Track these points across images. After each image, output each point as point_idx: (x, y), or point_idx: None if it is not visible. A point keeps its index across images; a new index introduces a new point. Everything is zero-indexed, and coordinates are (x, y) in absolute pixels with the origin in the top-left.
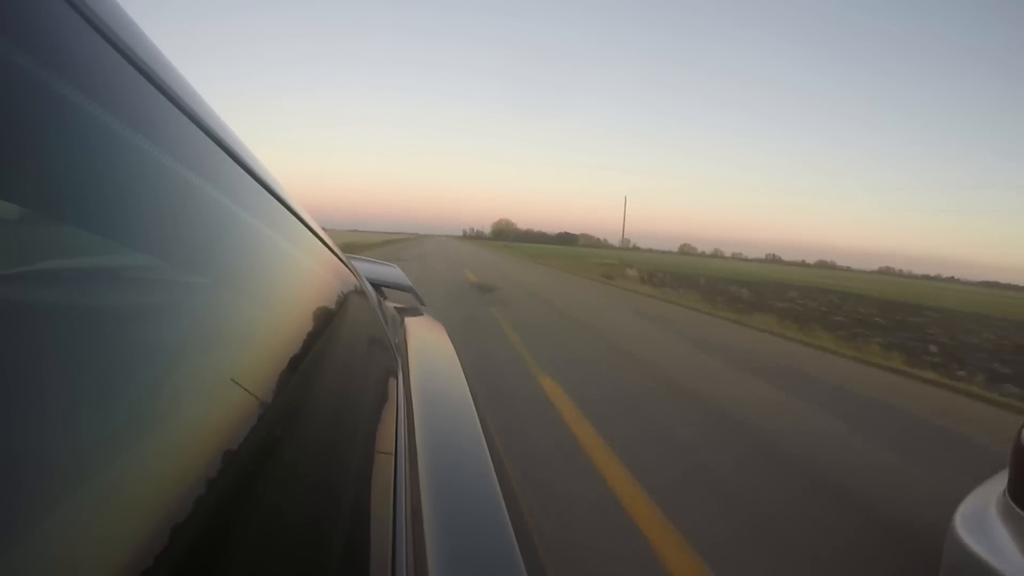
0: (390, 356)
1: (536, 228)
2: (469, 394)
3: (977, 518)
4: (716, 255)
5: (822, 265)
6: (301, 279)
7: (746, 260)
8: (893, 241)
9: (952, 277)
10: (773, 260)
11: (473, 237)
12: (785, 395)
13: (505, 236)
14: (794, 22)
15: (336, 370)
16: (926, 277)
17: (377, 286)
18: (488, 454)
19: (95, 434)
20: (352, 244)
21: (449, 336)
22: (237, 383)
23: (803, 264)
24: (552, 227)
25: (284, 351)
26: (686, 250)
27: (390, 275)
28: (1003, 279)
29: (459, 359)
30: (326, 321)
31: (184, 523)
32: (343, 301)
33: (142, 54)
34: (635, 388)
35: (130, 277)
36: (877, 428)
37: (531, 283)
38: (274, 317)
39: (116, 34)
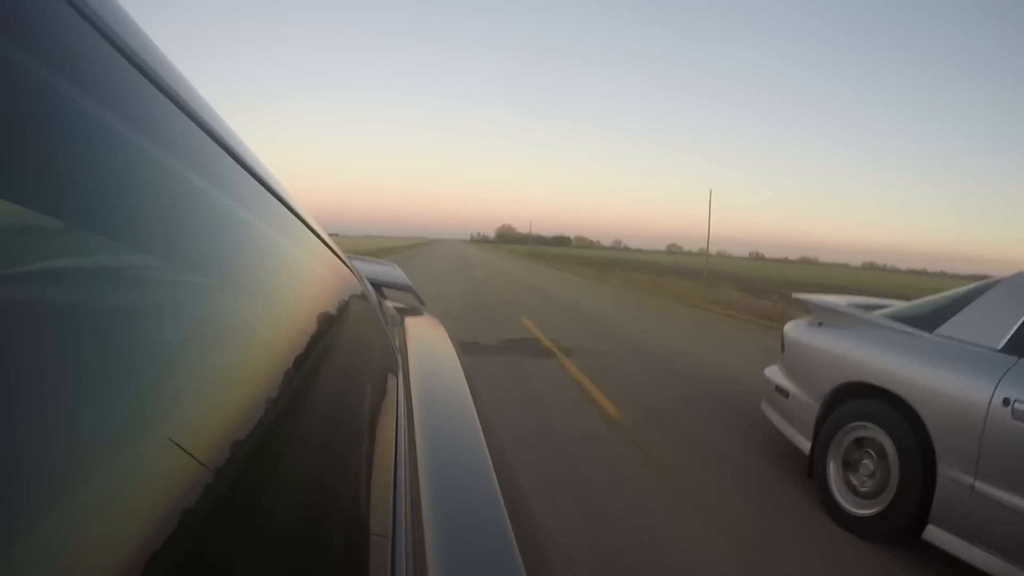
0: (390, 355)
1: (535, 232)
2: (469, 393)
3: (772, 369)
4: (701, 253)
5: (804, 261)
6: (302, 279)
7: (730, 257)
8: (883, 237)
9: (942, 271)
10: (757, 257)
11: (480, 241)
12: (515, 265)
13: (507, 239)
14: (784, 18)
15: (336, 369)
16: (911, 271)
17: (377, 286)
18: (488, 453)
19: (95, 434)
20: (375, 249)
21: (449, 336)
22: (237, 383)
23: (785, 260)
24: (549, 230)
25: (285, 351)
26: (673, 249)
27: (390, 275)
28: (993, 271)
29: (459, 358)
30: (327, 321)
31: (184, 522)
32: (343, 301)
33: (144, 55)
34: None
35: (131, 277)
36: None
37: (491, 260)
38: (275, 317)
39: (118, 35)
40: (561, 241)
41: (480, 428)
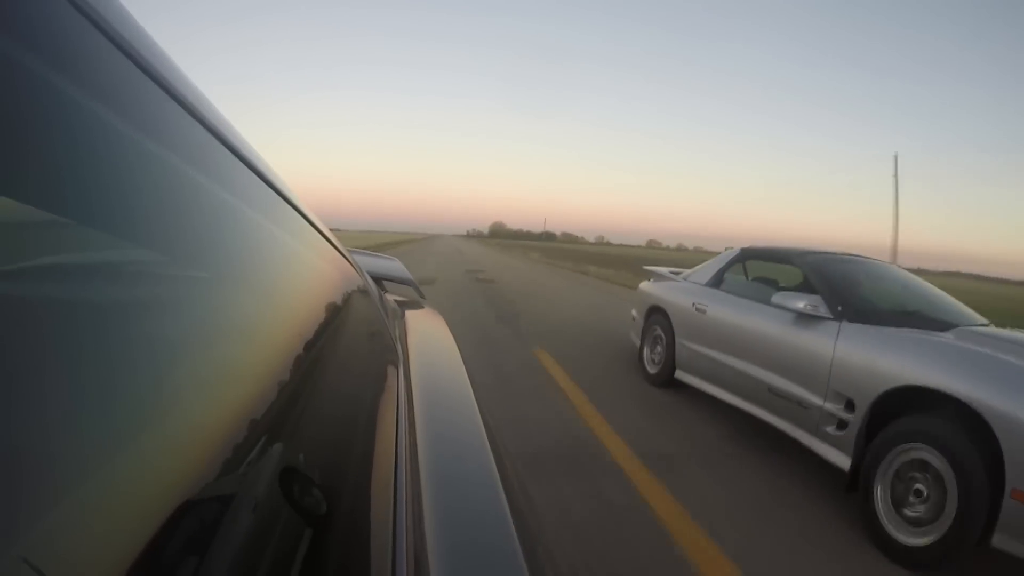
0: (391, 349)
1: (524, 228)
2: (469, 386)
3: (633, 311)
4: (680, 248)
5: None
6: (303, 273)
7: (706, 252)
8: (865, 232)
9: (919, 268)
10: None
11: (475, 236)
12: (493, 251)
13: (498, 235)
14: (783, 15)
15: (337, 363)
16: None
17: (378, 279)
18: (489, 446)
19: (97, 430)
20: (381, 244)
21: (450, 328)
22: (239, 377)
23: None
24: (537, 226)
25: (286, 344)
26: (652, 244)
27: (391, 268)
28: (968, 270)
29: (459, 351)
30: (328, 315)
31: (186, 516)
32: (344, 295)
33: (146, 54)
34: (475, 254)
35: (133, 272)
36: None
37: (473, 250)
38: (276, 311)
39: (119, 34)
40: (547, 236)
41: (481, 421)
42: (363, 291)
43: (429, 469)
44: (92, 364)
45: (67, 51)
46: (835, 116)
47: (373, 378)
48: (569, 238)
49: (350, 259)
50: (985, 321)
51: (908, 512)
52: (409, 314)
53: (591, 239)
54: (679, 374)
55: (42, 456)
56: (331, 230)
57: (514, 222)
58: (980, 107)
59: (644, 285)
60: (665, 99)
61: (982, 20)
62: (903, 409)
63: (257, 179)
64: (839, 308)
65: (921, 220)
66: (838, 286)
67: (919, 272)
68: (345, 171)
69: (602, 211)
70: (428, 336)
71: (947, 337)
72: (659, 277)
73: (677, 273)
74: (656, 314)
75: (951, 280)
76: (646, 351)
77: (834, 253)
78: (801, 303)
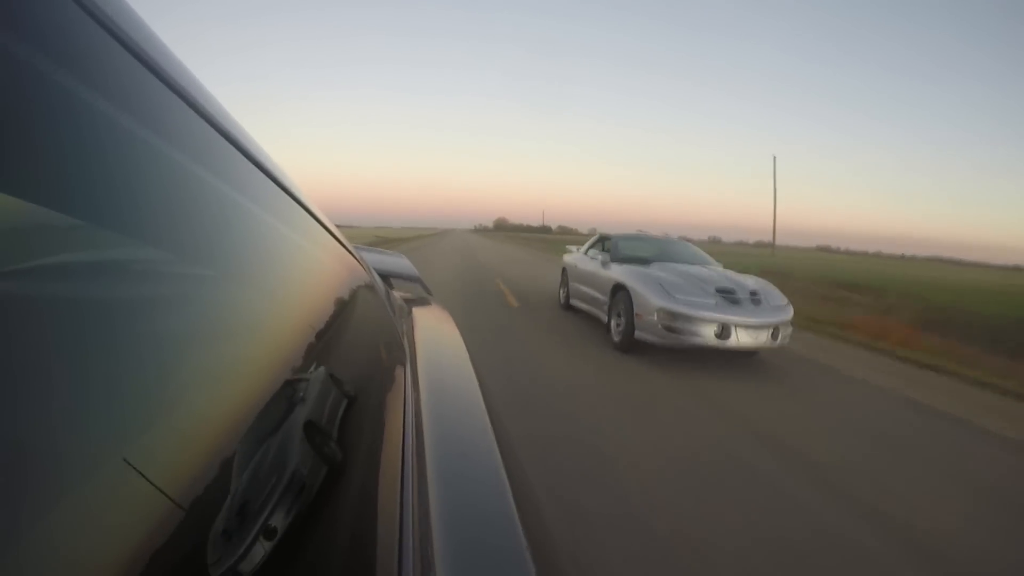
0: (398, 346)
1: (525, 223)
2: (477, 383)
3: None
4: (663, 237)
5: (759, 245)
6: (310, 271)
7: (690, 240)
8: (844, 222)
9: (902, 255)
10: (714, 241)
11: (481, 231)
12: (488, 241)
13: (501, 228)
14: (787, 10)
15: (344, 360)
16: (865, 254)
17: (385, 276)
18: (496, 444)
19: (104, 427)
20: (393, 240)
21: (456, 325)
22: (246, 374)
23: (740, 244)
24: (536, 220)
25: (293, 342)
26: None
27: (398, 266)
28: (955, 255)
29: (467, 348)
30: (335, 312)
31: (192, 513)
32: (352, 292)
33: (151, 52)
34: (473, 242)
35: (140, 271)
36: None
37: (476, 240)
38: (283, 308)
39: (127, 34)
40: (544, 229)
41: (488, 420)
42: (370, 288)
43: (436, 467)
44: (100, 362)
45: (74, 50)
46: (832, 113)
47: (380, 375)
48: (564, 230)
49: (357, 256)
50: (713, 263)
51: (617, 329)
52: (416, 311)
53: (584, 231)
54: (572, 301)
55: (51, 453)
56: (344, 227)
57: (515, 217)
58: (976, 106)
59: (564, 256)
60: (663, 98)
61: (980, 18)
62: (617, 292)
63: (264, 177)
64: (612, 257)
65: (927, 210)
66: (617, 248)
67: (899, 259)
68: (356, 169)
69: (597, 205)
70: (435, 333)
71: (641, 267)
72: (570, 252)
73: (577, 249)
74: (565, 272)
75: (929, 264)
76: (561, 292)
77: (636, 234)
78: (600, 257)
